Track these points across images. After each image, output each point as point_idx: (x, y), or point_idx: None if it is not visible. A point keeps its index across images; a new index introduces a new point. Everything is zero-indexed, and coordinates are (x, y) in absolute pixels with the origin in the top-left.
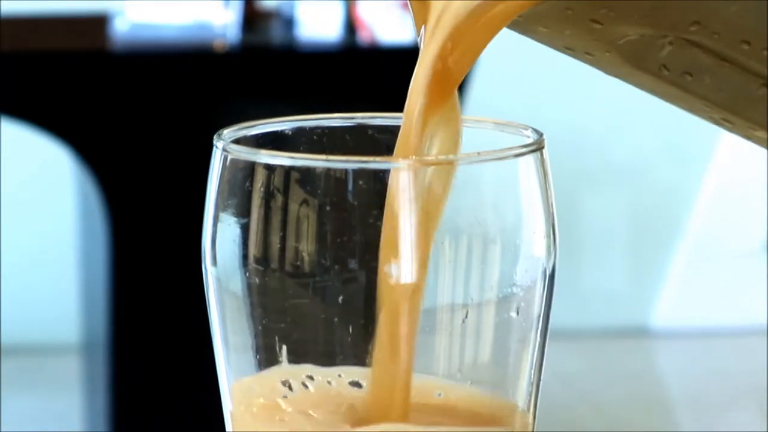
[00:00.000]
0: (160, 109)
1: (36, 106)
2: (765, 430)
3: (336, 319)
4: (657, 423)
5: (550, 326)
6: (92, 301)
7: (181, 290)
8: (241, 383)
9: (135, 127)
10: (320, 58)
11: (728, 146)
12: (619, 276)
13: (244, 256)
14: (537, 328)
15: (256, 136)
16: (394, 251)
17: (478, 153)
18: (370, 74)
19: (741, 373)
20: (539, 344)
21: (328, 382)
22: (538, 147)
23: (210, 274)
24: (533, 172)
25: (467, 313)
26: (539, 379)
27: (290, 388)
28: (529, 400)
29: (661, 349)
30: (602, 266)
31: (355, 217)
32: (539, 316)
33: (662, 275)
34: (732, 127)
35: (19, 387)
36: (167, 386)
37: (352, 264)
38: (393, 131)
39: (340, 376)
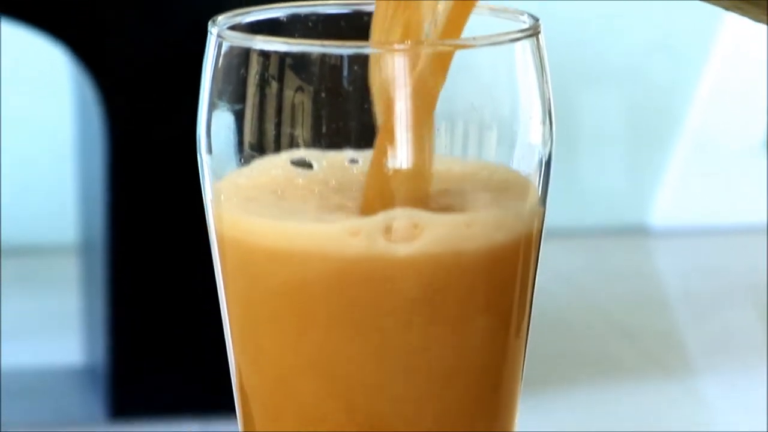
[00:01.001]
0: (155, 2)
1: (31, 5)
2: (763, 327)
3: (330, 203)
4: (655, 321)
5: (546, 217)
6: (89, 201)
7: (179, 187)
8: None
9: (130, 22)
10: None
11: (726, 43)
12: (617, 174)
13: (239, 144)
14: (530, 253)
15: (251, 23)
16: (390, 137)
17: (474, 38)
18: None
19: (740, 272)
20: (533, 265)
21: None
22: (534, 32)
23: (205, 163)
24: (529, 57)
25: None
26: (535, 275)
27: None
28: (525, 303)
29: (659, 248)
30: (600, 165)
31: (350, 104)
32: (531, 255)
33: (660, 173)
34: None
35: (16, 288)
36: (165, 284)
37: (350, 191)
38: None
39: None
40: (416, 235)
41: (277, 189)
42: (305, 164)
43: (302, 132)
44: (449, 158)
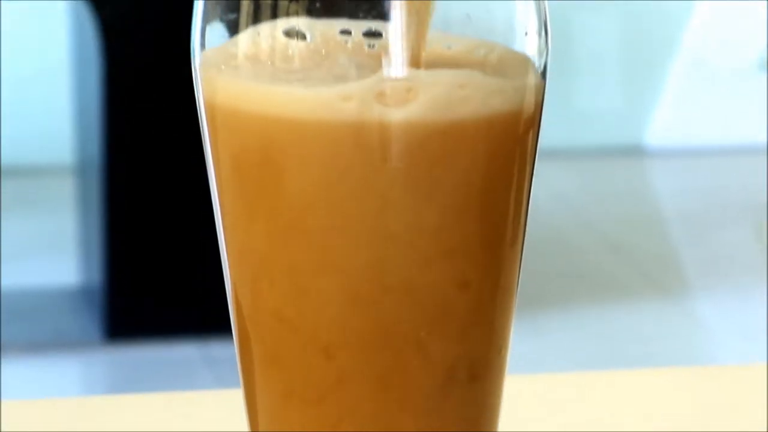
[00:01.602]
0: None
1: None
2: (760, 247)
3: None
4: (651, 241)
5: (541, 131)
6: (86, 122)
7: (175, 108)
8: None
9: None
10: None
11: None
12: (614, 94)
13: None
14: (528, 144)
15: None
16: (385, 49)
17: None
18: None
19: (737, 191)
20: (530, 156)
21: None
22: None
23: (199, 77)
24: None
25: None
26: (529, 189)
27: None
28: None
29: (656, 168)
30: (596, 84)
31: (346, 11)
32: (530, 131)
33: (657, 93)
34: None
35: (11, 209)
36: (162, 205)
37: (342, 59)
38: None
39: None
40: (410, 98)
41: (270, 57)
42: (298, 34)
43: (297, 40)
44: (446, 35)
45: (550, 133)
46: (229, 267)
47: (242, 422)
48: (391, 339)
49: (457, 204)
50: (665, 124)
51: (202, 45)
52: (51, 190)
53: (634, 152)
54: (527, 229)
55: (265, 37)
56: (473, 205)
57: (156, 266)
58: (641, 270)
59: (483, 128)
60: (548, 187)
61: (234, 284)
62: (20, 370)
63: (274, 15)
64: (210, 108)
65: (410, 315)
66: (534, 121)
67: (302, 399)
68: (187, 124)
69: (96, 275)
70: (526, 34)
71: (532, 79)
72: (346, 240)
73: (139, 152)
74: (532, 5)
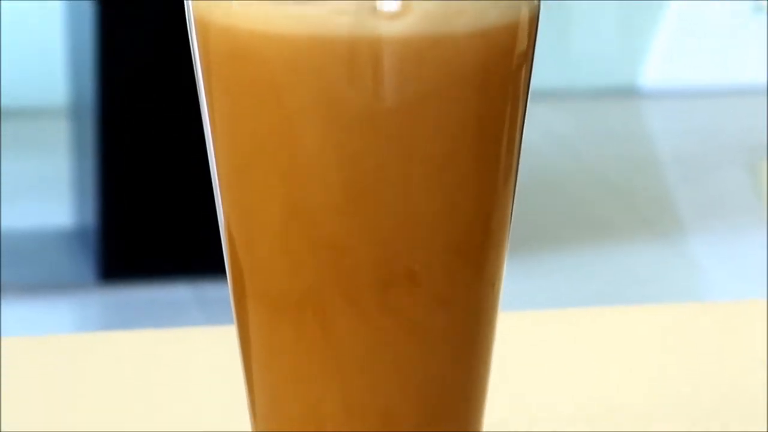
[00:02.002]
0: None
1: None
2: (756, 189)
3: None
4: (645, 182)
5: (537, 73)
6: (80, 64)
7: (169, 47)
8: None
9: None
10: None
11: None
12: (609, 35)
13: None
14: (522, 68)
15: None
16: None
17: None
18: None
19: (732, 133)
20: (524, 83)
21: None
22: None
23: (190, 7)
24: None
25: None
26: (524, 111)
27: None
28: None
29: (651, 109)
30: (592, 26)
31: None
32: (525, 53)
33: (652, 34)
34: None
35: (6, 150)
36: (156, 147)
37: None
38: None
39: None
40: (404, 12)
41: None
42: None
43: None
44: None
45: (545, 75)
46: (222, 200)
47: (234, 359)
48: (384, 267)
49: (451, 121)
50: (660, 66)
51: None
52: (45, 131)
53: (630, 93)
54: (523, 170)
55: None
56: (467, 123)
57: (149, 208)
58: (636, 211)
59: (477, 41)
60: (544, 128)
61: (227, 218)
62: (14, 312)
63: None
64: (202, 28)
65: (403, 244)
66: (529, 37)
67: (294, 328)
68: (181, 64)
69: (90, 217)
70: None
71: None
72: (341, 159)
73: (132, 93)
74: None
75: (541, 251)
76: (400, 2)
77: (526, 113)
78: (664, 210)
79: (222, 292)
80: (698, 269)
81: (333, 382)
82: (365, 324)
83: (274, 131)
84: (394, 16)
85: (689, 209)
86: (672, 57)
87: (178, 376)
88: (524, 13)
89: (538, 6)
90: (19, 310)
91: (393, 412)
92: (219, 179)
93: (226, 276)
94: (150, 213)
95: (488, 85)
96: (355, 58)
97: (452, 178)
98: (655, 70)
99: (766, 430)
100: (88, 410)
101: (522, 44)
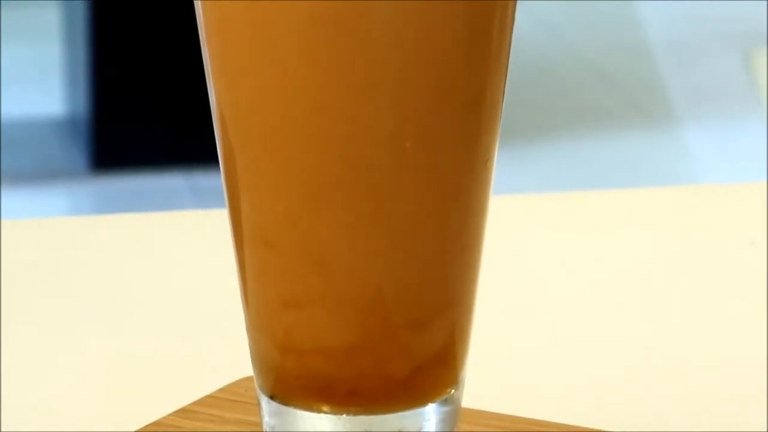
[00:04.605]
0: None
1: None
2: (747, 76)
3: None
4: (639, 69)
5: None
6: None
7: None
8: None
9: None
10: None
11: None
12: None
13: None
14: None
15: None
16: None
17: None
18: None
19: (723, 19)
20: None
21: None
22: None
23: None
24: None
25: None
26: (514, 8)
27: None
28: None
29: None
30: None
31: None
32: None
33: None
34: None
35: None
36: (149, 32)
37: None
38: None
39: None
40: None
41: None
42: None
43: None
44: None
45: None
46: (215, 87)
47: (225, 242)
48: (377, 147)
49: (443, 4)
50: None
51: None
52: (36, 19)
53: None
54: (515, 58)
55: None
56: (459, 5)
57: (142, 97)
58: (628, 98)
59: None
60: (534, 15)
61: (219, 104)
62: (7, 201)
63: None
64: None
65: (394, 124)
66: None
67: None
68: None
69: (82, 105)
70: None
71: None
72: (333, 43)
73: None
74: None
75: (533, 139)
76: None
77: None
78: (657, 97)
79: (214, 180)
80: (692, 156)
81: (324, 256)
82: (362, 194)
83: (266, 14)
84: None
85: (682, 96)
86: None
87: (170, 258)
88: None
89: None
90: (11, 200)
91: (384, 286)
92: (211, 65)
93: (218, 165)
94: (142, 102)
95: None
96: None
97: (445, 57)
98: None
99: (765, 311)
100: (82, 289)
101: None
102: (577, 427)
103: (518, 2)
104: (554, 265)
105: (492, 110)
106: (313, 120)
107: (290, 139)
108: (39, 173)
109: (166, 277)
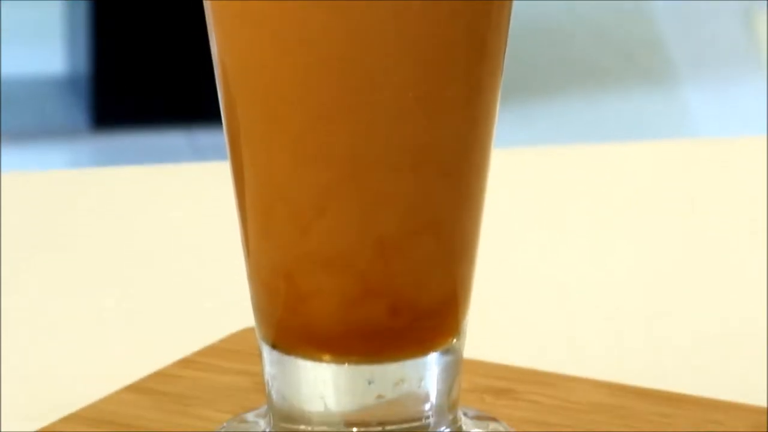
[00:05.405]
0: None
1: None
2: (749, 37)
3: None
4: (640, 29)
5: None
6: None
7: None
8: None
9: None
10: None
11: None
12: None
13: None
14: None
15: None
16: None
17: None
18: None
19: None
20: None
21: None
22: None
23: None
24: None
25: None
26: None
27: None
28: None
29: None
30: None
31: None
32: None
33: None
34: None
35: None
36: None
37: None
38: None
39: None
40: None
41: None
42: None
43: None
44: None
45: None
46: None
47: (225, 193)
48: (380, 96)
49: None
50: None
51: None
52: None
53: None
54: (517, 16)
55: None
56: None
57: (142, 54)
58: (629, 57)
59: None
60: None
61: (221, 62)
62: (7, 157)
63: None
64: None
65: (397, 75)
66: None
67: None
68: None
69: (83, 63)
70: None
71: None
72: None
73: None
74: None
75: (531, 98)
76: None
77: None
78: (656, 55)
79: (214, 138)
80: (692, 113)
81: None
82: (364, 141)
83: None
84: None
85: (683, 55)
86: None
87: (170, 210)
88: None
89: None
90: (12, 157)
91: (385, 233)
92: (212, 18)
93: (218, 123)
94: (143, 59)
95: None
96: None
97: (450, 9)
98: None
99: (765, 256)
100: (83, 242)
101: None
102: (579, 377)
103: None
104: (556, 217)
105: (494, 60)
106: (315, 69)
107: (291, 87)
108: (40, 131)
109: (166, 229)
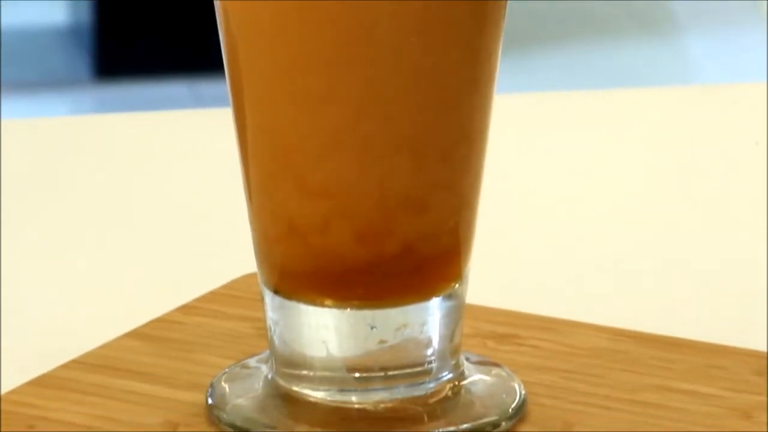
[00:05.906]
0: None
1: None
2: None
3: None
4: None
5: None
6: None
7: None
8: None
9: None
10: None
11: None
12: None
13: None
14: None
15: None
16: None
17: None
18: None
19: None
20: None
21: None
22: None
23: None
24: None
25: None
26: None
27: None
28: None
29: None
30: None
31: None
32: None
33: None
34: None
35: None
36: None
37: None
38: None
39: None
40: None
41: None
42: None
43: None
44: None
45: None
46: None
47: (227, 140)
48: (381, 41)
49: None
50: None
51: None
52: None
53: None
54: None
55: None
56: None
57: (145, 4)
58: (630, 5)
59: None
60: None
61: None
62: (10, 108)
63: None
64: None
65: (398, 18)
66: None
67: (298, 108)
68: None
69: (85, 13)
70: None
71: None
72: None
73: None
74: None
75: (533, 49)
76: None
77: None
78: (659, 5)
79: (217, 88)
80: (693, 61)
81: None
82: (366, 88)
83: None
84: None
85: (684, 4)
86: None
87: (172, 157)
88: None
89: None
90: (14, 107)
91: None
92: None
93: (222, 74)
94: (145, 9)
95: None
96: None
97: None
98: None
99: (765, 202)
100: (84, 188)
101: None
102: (581, 322)
103: None
104: (557, 163)
105: (496, 5)
106: (316, 16)
107: (294, 31)
108: (42, 81)
109: (168, 176)
